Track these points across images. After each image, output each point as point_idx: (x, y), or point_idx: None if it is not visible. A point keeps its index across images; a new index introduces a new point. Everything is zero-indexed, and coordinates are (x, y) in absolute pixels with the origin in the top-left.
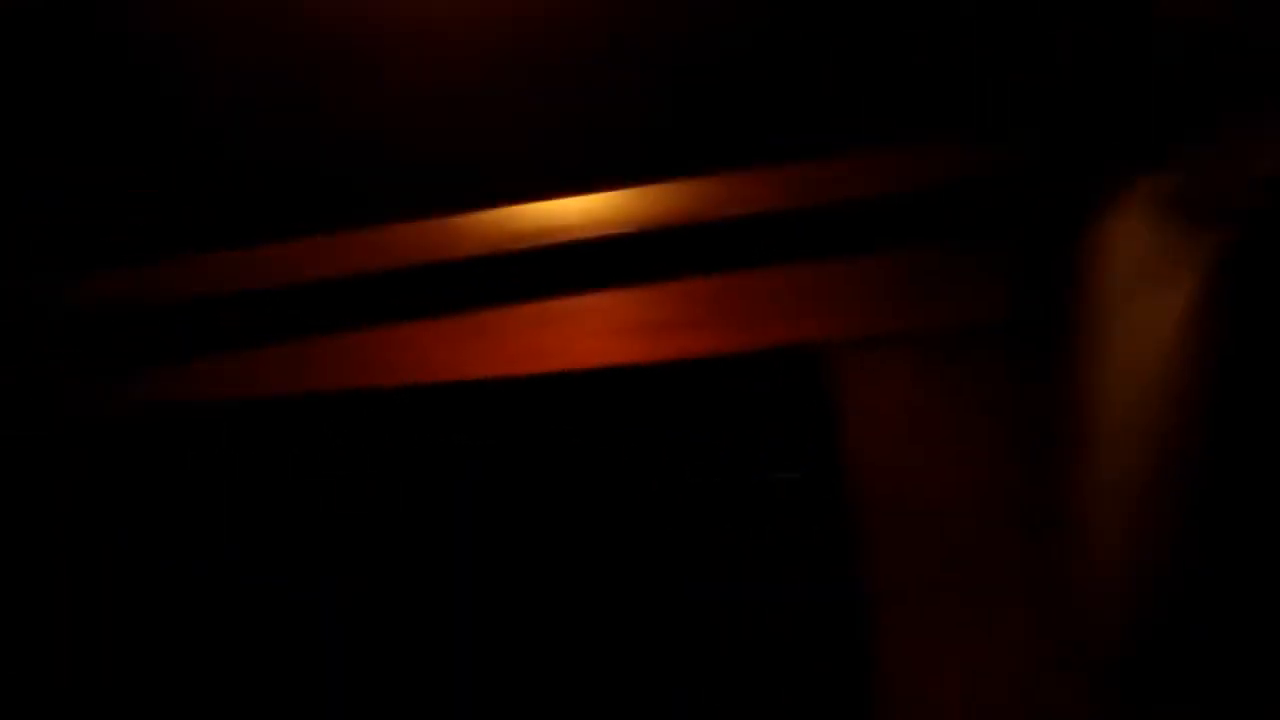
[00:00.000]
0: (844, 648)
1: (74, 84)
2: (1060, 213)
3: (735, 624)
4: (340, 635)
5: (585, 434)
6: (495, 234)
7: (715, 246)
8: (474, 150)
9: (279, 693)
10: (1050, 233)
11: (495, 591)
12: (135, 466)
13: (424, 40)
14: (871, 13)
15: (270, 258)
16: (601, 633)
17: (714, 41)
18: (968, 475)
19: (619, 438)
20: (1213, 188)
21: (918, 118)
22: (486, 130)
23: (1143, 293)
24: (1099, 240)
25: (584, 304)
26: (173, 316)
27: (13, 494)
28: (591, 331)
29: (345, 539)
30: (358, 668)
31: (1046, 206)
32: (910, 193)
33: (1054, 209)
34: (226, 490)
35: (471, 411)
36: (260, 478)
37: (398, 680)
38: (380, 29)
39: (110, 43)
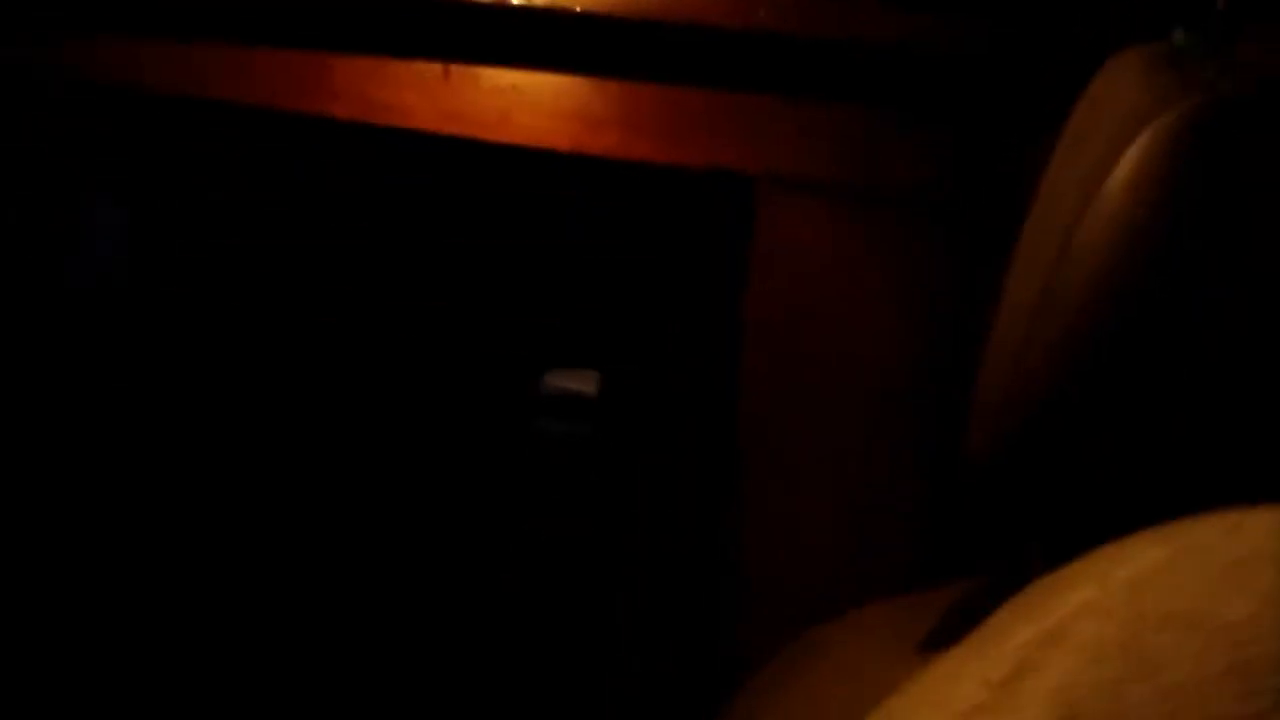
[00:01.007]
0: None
1: None
2: (1025, 96)
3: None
4: None
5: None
6: None
7: (667, 53)
8: None
9: None
10: (1008, 114)
11: None
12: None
13: None
14: None
15: None
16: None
17: None
18: (872, 324)
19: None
20: (1203, 68)
21: None
22: None
23: (1096, 144)
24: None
25: (525, 79)
26: None
27: None
28: (529, 108)
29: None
30: None
31: (1012, 88)
32: (878, 47)
33: (1020, 92)
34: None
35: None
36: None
37: None
38: None
39: None
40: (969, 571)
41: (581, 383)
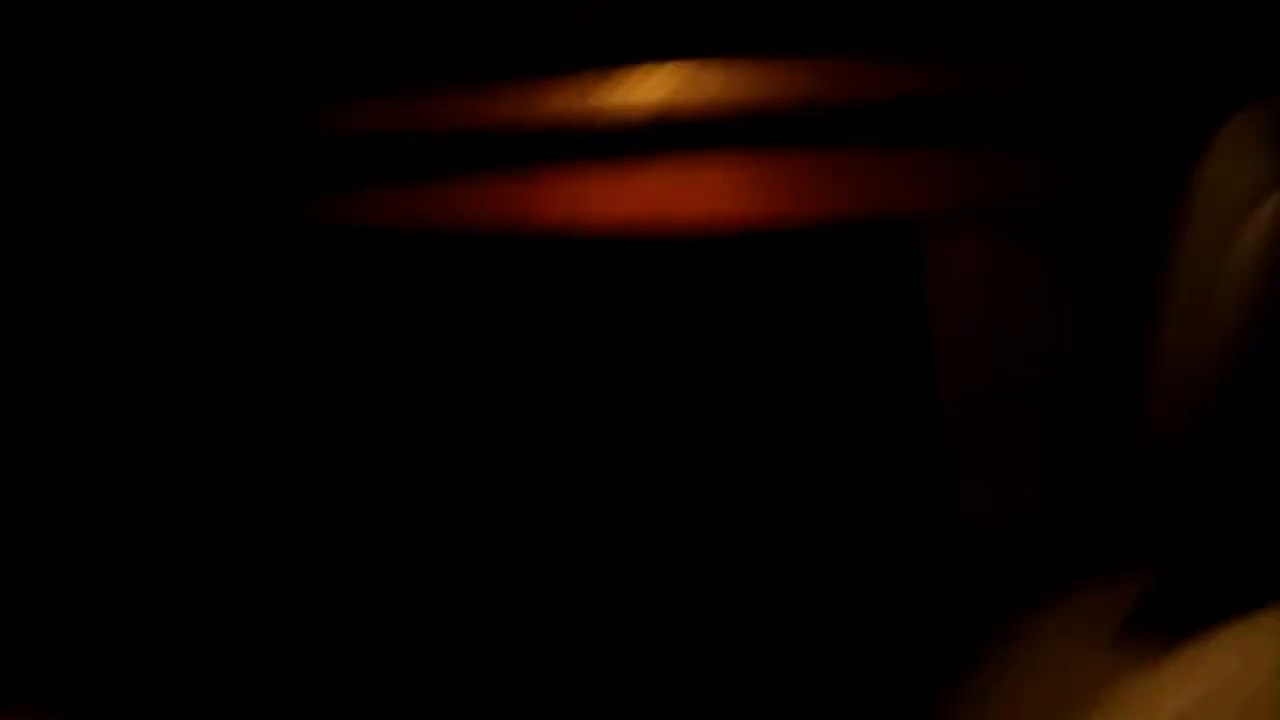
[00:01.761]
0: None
1: None
2: (1152, 126)
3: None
4: None
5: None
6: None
7: (815, 127)
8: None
9: None
10: (1136, 141)
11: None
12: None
13: None
14: None
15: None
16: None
17: None
18: (1039, 338)
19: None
20: None
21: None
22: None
23: (1229, 200)
24: (1202, 151)
25: (695, 165)
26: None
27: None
28: (704, 190)
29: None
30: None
31: (1141, 121)
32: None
33: (1147, 125)
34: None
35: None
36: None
37: None
38: None
39: None
40: (1154, 552)
41: None
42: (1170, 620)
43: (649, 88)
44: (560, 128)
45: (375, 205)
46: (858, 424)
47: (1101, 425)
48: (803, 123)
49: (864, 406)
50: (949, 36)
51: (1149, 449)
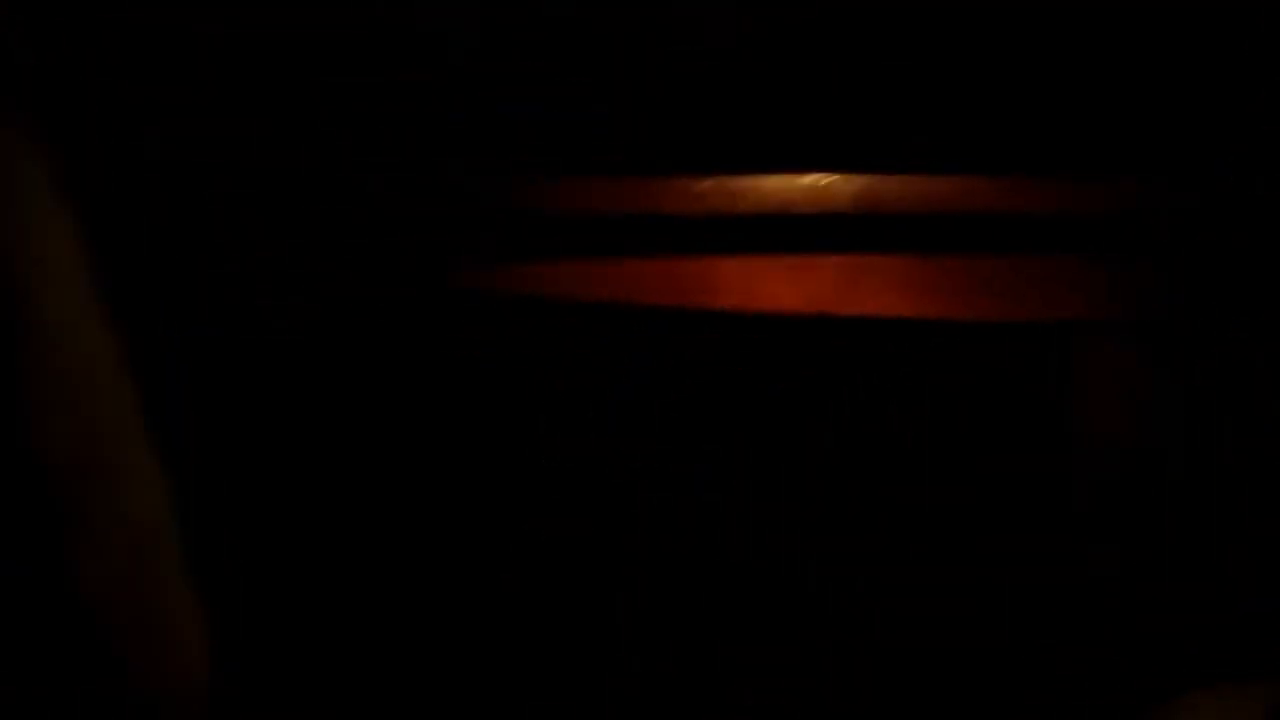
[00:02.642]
0: None
1: None
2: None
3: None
4: None
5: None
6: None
7: (986, 233)
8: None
9: None
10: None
11: None
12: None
13: None
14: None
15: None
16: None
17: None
18: (1169, 443)
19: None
20: None
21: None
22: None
23: None
24: None
25: (874, 261)
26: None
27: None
28: (875, 284)
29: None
30: None
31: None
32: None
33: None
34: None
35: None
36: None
37: None
38: None
39: None
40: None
41: None
42: None
43: (838, 190)
44: (750, 217)
45: (558, 274)
46: (996, 501)
47: (1233, 529)
48: (970, 231)
49: (1003, 492)
50: (1106, 159)
51: None
